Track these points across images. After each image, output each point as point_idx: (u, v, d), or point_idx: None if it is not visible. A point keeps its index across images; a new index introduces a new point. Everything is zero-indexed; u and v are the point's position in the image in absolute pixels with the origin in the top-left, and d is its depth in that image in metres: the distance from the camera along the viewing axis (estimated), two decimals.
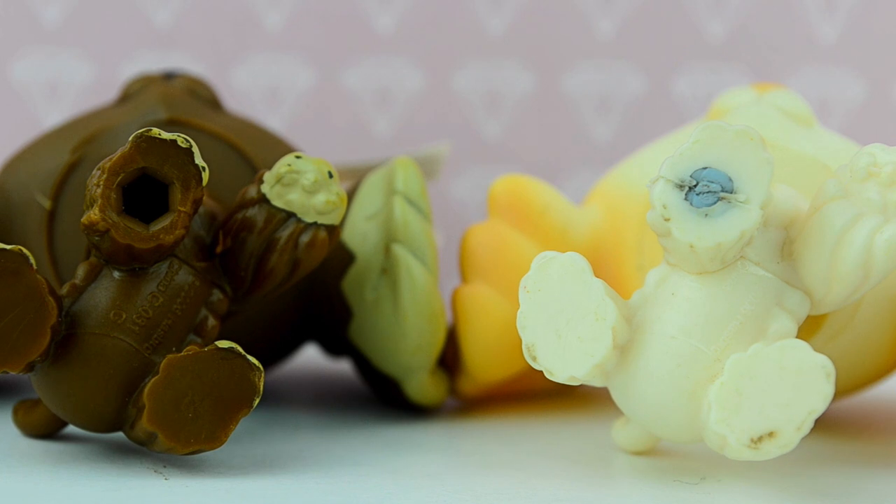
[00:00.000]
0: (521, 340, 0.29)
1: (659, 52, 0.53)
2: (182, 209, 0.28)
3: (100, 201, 0.28)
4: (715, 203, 0.27)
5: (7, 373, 0.28)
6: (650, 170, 0.33)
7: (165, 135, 0.28)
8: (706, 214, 0.27)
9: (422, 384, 0.34)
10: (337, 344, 0.37)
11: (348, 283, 0.35)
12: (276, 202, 0.30)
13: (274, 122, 0.52)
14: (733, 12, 0.53)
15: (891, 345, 0.33)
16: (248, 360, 0.28)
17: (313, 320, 0.36)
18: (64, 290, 0.29)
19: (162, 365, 0.27)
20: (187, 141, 0.28)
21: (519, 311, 0.28)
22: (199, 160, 0.28)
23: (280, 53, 0.52)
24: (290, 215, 0.30)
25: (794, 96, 0.34)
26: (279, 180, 0.30)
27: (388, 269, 0.34)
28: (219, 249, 0.30)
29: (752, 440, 0.26)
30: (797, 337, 0.28)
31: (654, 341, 0.28)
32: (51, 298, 0.28)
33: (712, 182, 0.27)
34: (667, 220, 0.27)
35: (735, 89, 0.35)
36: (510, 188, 0.36)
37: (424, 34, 0.52)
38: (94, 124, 0.35)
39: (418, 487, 0.28)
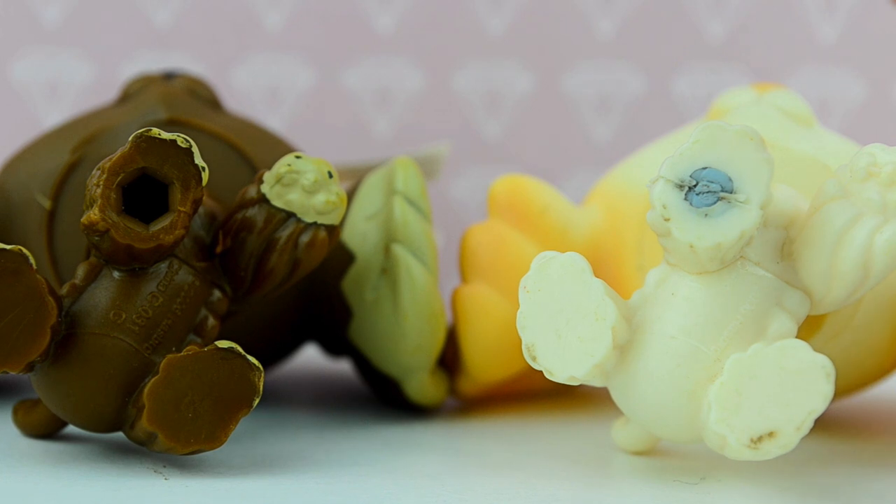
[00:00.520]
0: (520, 340, 0.29)
1: (659, 52, 0.53)
2: (182, 209, 0.28)
3: (100, 201, 0.28)
4: (715, 203, 0.27)
5: (7, 373, 0.28)
6: (650, 170, 0.33)
7: (165, 135, 0.28)
8: (706, 214, 0.27)
9: (422, 384, 0.34)
10: (337, 344, 0.37)
11: (348, 283, 0.35)
12: (276, 202, 0.30)
13: (274, 122, 0.52)
14: (733, 12, 0.53)
15: (891, 345, 0.33)
16: (247, 360, 0.28)
17: (313, 320, 0.36)
18: (64, 290, 0.29)
19: (162, 365, 0.27)
20: (187, 141, 0.28)
21: (519, 311, 0.28)
22: (198, 160, 0.28)
23: (280, 53, 0.52)
24: (289, 215, 0.30)
25: (794, 96, 0.34)
26: (279, 180, 0.30)
27: (388, 269, 0.34)
28: (219, 249, 0.30)
29: (751, 440, 0.26)
30: (797, 337, 0.28)
31: (654, 341, 0.28)
32: (51, 298, 0.28)
33: (712, 182, 0.27)
34: (667, 220, 0.27)
35: (735, 89, 0.35)
36: (510, 188, 0.36)
37: (424, 34, 0.52)
38: (94, 124, 0.35)
39: (418, 487, 0.28)
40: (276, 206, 0.30)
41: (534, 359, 0.28)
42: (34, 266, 0.28)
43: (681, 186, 0.27)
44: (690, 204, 0.27)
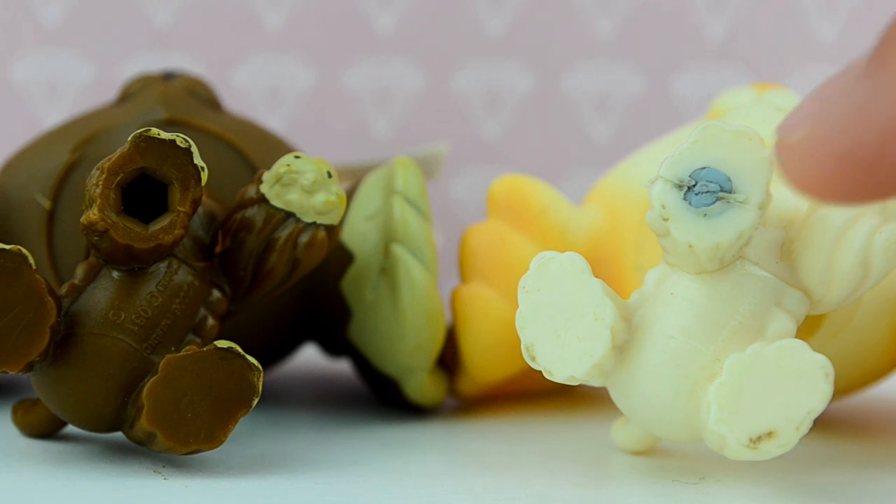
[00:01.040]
0: (520, 340, 0.29)
1: (659, 52, 0.53)
2: (181, 209, 0.28)
3: (99, 201, 0.28)
4: (714, 203, 0.27)
5: (6, 373, 0.28)
6: (650, 170, 0.33)
7: (164, 135, 0.28)
8: (705, 214, 0.27)
9: (421, 384, 0.34)
10: (336, 344, 0.37)
11: (348, 284, 0.35)
12: (276, 202, 0.30)
13: (274, 122, 0.52)
14: (733, 12, 0.53)
15: (891, 344, 0.33)
16: (247, 359, 0.28)
17: (313, 320, 0.36)
18: (63, 290, 0.29)
19: (161, 365, 0.27)
20: (186, 141, 0.28)
21: (518, 311, 0.28)
22: (198, 160, 0.28)
23: (280, 53, 0.52)
24: (289, 215, 0.30)
25: (794, 96, 0.34)
26: (278, 180, 0.30)
27: (388, 269, 0.34)
28: (218, 249, 0.30)
29: (751, 440, 0.26)
30: (796, 337, 0.28)
31: (653, 341, 0.28)
32: (50, 298, 0.28)
33: (711, 182, 0.27)
34: (665, 219, 0.27)
35: (735, 89, 0.35)
36: (509, 188, 0.36)
37: (424, 34, 0.52)
38: (93, 124, 0.35)
39: (418, 487, 0.28)
40: (276, 206, 0.30)
41: (533, 359, 0.28)
42: (33, 266, 0.28)
43: (680, 186, 0.27)
44: (689, 204, 0.27)
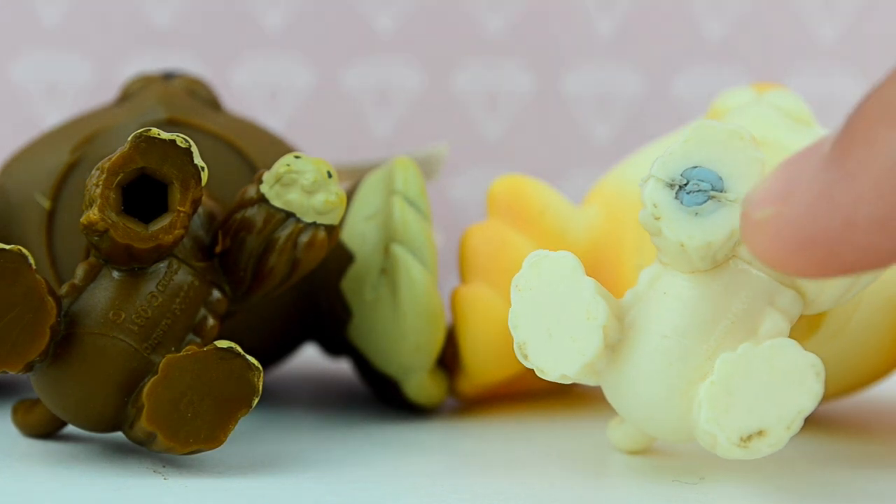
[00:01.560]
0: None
1: (659, 52, 0.53)
2: (181, 209, 0.28)
3: (99, 201, 0.28)
4: (705, 202, 0.27)
5: (6, 373, 0.28)
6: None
7: (164, 135, 0.28)
8: (696, 213, 0.27)
9: (421, 384, 0.34)
10: (336, 344, 0.37)
11: (347, 284, 0.35)
12: (275, 202, 0.30)
13: (274, 122, 0.52)
14: (733, 12, 0.53)
15: (891, 344, 0.33)
16: (247, 359, 0.28)
17: (313, 320, 0.36)
18: (63, 289, 0.29)
19: (161, 365, 0.27)
20: (186, 141, 0.28)
21: (511, 309, 0.28)
22: (198, 160, 0.28)
23: (280, 53, 0.52)
24: (289, 215, 0.30)
25: (793, 96, 0.34)
26: (278, 180, 0.30)
27: (388, 269, 0.34)
28: (218, 249, 0.30)
29: (741, 439, 0.26)
30: (796, 337, 0.28)
31: (646, 340, 0.28)
32: (50, 298, 0.28)
33: (703, 181, 0.27)
34: (657, 218, 0.27)
35: (735, 89, 0.35)
36: (509, 188, 0.36)
37: (424, 34, 0.52)
38: (93, 124, 0.35)
39: (418, 487, 0.28)
40: (276, 206, 0.30)
41: (525, 357, 0.28)
42: (33, 266, 0.28)
43: (671, 185, 0.27)
44: (681, 203, 0.27)
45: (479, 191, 0.52)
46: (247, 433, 0.32)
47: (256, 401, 0.28)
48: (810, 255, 0.23)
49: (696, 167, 0.27)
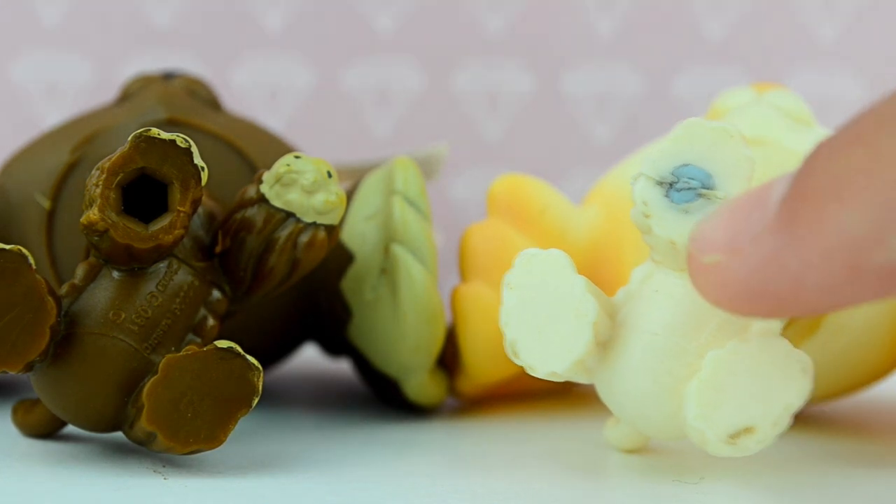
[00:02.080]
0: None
1: (659, 52, 0.53)
2: (181, 209, 0.28)
3: (99, 201, 0.28)
4: (695, 200, 0.27)
5: (6, 373, 0.28)
6: None
7: (164, 135, 0.28)
8: (686, 211, 0.27)
9: (421, 384, 0.34)
10: (336, 344, 0.37)
11: (347, 284, 0.35)
12: (275, 202, 0.30)
13: (274, 122, 0.52)
14: (733, 12, 0.53)
15: (890, 345, 0.33)
16: (247, 359, 0.28)
17: (313, 320, 0.36)
18: (63, 289, 0.29)
19: (161, 365, 0.27)
20: (186, 141, 0.28)
21: (501, 307, 0.28)
22: (198, 160, 0.28)
23: (280, 53, 0.52)
24: (289, 215, 0.30)
25: (793, 96, 0.34)
26: (278, 180, 0.30)
27: (388, 269, 0.34)
28: (218, 249, 0.30)
29: (729, 436, 0.26)
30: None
31: (637, 338, 0.28)
32: (50, 298, 0.28)
33: (692, 179, 0.27)
34: (647, 216, 0.27)
35: (735, 89, 0.35)
36: (509, 188, 0.36)
37: (424, 34, 0.52)
38: (93, 124, 0.35)
39: (418, 487, 0.28)
40: (276, 206, 0.30)
41: (516, 355, 0.28)
42: (33, 266, 0.28)
43: (661, 183, 0.27)
44: (671, 201, 0.27)
45: (479, 191, 0.52)
46: (247, 433, 0.32)
47: (256, 401, 0.28)
48: (758, 306, 0.24)
49: (685, 165, 0.27)
